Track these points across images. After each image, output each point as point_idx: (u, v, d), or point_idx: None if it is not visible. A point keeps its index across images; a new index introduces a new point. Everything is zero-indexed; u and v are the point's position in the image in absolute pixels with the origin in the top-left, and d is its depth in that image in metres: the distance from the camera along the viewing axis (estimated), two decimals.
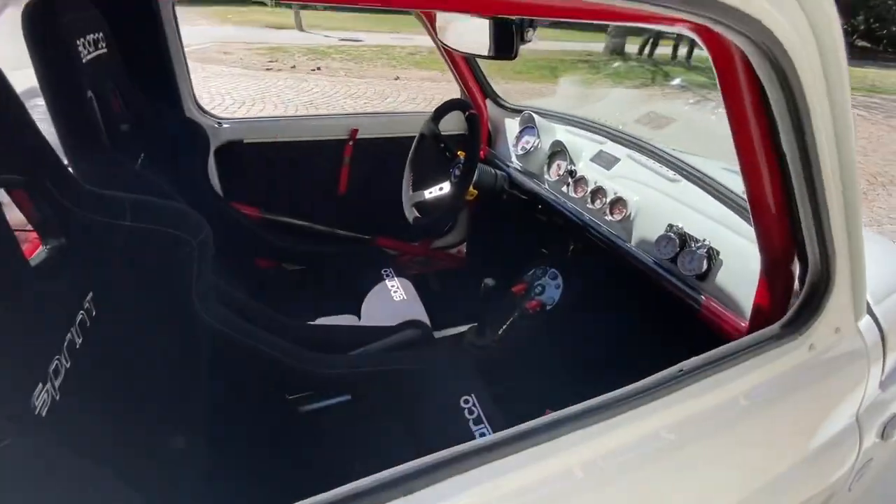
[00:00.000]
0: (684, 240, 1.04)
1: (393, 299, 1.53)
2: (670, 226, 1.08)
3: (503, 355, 1.50)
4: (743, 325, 0.90)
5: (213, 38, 8.81)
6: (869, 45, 13.88)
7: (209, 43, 8.40)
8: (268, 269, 1.68)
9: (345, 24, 11.01)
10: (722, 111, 0.59)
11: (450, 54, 1.64)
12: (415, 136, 1.59)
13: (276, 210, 1.74)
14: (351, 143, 1.71)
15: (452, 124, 1.88)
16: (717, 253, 0.99)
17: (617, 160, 1.32)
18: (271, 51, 8.36)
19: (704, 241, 1.00)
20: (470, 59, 1.67)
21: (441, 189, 1.54)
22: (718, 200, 1.05)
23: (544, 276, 1.58)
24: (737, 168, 0.64)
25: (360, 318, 1.50)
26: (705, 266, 0.99)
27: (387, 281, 1.59)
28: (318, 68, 7.58)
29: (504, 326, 1.56)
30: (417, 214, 1.55)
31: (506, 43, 0.80)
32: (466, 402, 1.02)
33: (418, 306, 1.51)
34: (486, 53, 0.83)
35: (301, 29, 10.61)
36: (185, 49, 1.49)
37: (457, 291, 2.13)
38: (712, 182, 1.08)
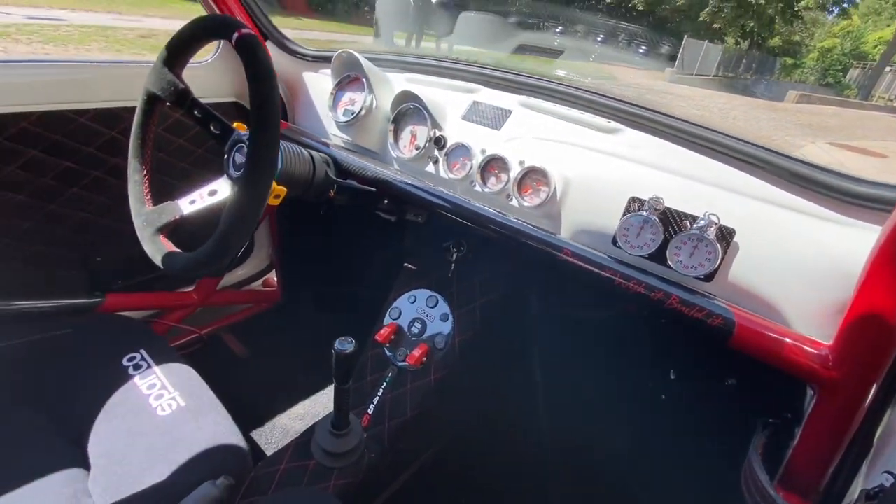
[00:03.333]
0: (671, 219, 0.63)
1: (157, 415, 0.79)
2: (637, 201, 0.66)
3: (384, 462, 0.90)
4: (823, 349, 0.54)
5: None
6: None
7: None
8: None
9: (32, 0, 8.06)
10: None
11: None
12: (133, 105, 0.81)
13: None
14: None
15: (222, 85, 1.14)
16: (732, 233, 0.60)
17: (507, 113, 0.85)
18: None
19: (709, 216, 0.60)
20: None
21: (213, 193, 0.81)
22: (695, 148, 0.67)
23: (417, 304, 1.03)
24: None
25: (88, 469, 0.74)
26: (720, 256, 0.60)
27: (137, 379, 0.83)
28: None
29: (373, 404, 0.96)
30: (168, 246, 0.79)
31: None
32: None
33: (213, 416, 0.80)
34: None
35: None
36: None
37: (277, 355, 1.40)
38: (676, 121, 0.69)
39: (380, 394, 0.96)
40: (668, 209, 0.63)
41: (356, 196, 1.02)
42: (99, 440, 0.77)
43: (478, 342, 0.95)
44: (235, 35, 0.66)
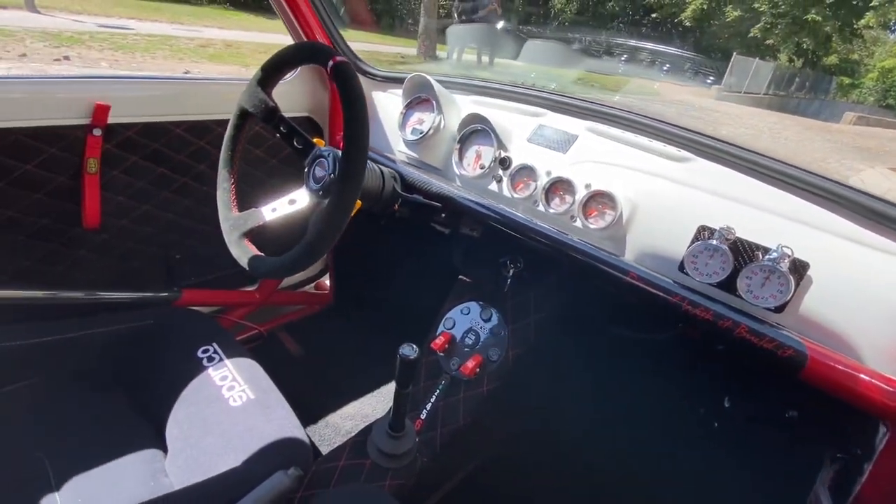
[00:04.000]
0: (742, 249, 0.64)
1: (230, 405, 0.84)
2: (706, 229, 0.67)
3: (435, 467, 0.94)
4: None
5: None
6: None
7: None
8: None
9: (103, 8, 8.70)
10: None
11: None
12: (225, 119, 0.89)
13: None
14: (97, 130, 0.90)
15: (293, 101, 1.22)
16: (806, 266, 0.61)
17: (574, 137, 0.88)
18: None
19: (782, 248, 0.61)
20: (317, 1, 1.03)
21: (292, 202, 0.88)
22: (767, 180, 0.68)
23: (472, 316, 1.07)
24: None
25: (165, 451, 0.81)
26: (793, 288, 0.61)
27: (211, 370, 0.89)
28: (67, 57, 5.66)
29: (426, 409, 0.99)
30: (252, 250, 0.86)
31: None
32: None
33: (280, 410, 0.86)
34: None
35: (33, 9, 7.95)
36: None
37: (329, 356, 1.46)
38: (749, 153, 0.71)
39: (432, 400, 1.00)
40: (739, 239, 0.65)
41: (418, 209, 1.07)
42: (176, 425, 0.83)
43: (531, 357, 0.97)
44: (331, 63, 0.72)
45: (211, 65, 6.61)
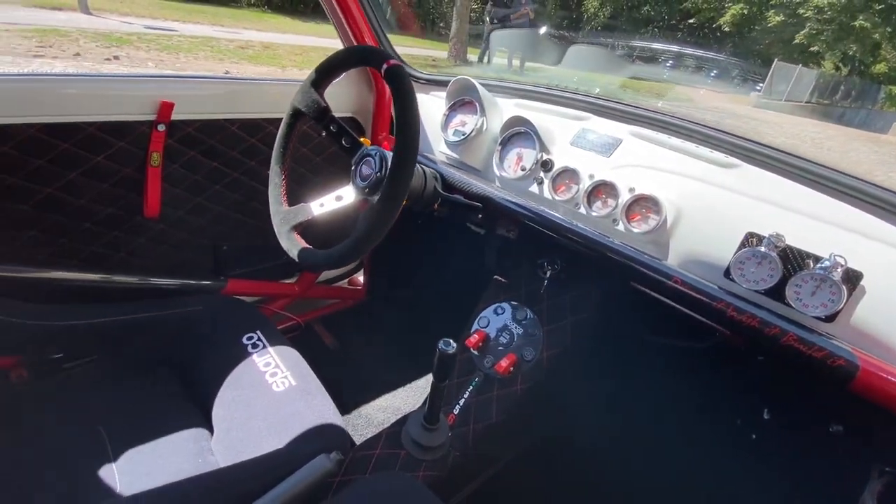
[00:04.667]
0: (792, 257, 0.64)
1: (273, 391, 0.88)
2: (754, 236, 0.67)
3: (467, 462, 0.96)
4: None
5: None
6: None
7: None
8: (2, 373, 0.87)
9: (149, 11, 9.10)
10: None
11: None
12: (278, 117, 0.94)
13: (22, 256, 0.92)
14: (161, 126, 0.96)
15: (341, 101, 1.26)
16: (860, 276, 0.60)
17: (617, 141, 0.89)
18: (41, 34, 6.33)
19: (835, 257, 0.61)
20: (366, 2, 1.07)
21: (339, 199, 0.92)
22: (818, 188, 0.68)
23: (506, 316, 1.08)
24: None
25: (212, 431, 0.85)
26: (845, 298, 0.60)
27: (255, 356, 0.93)
28: (116, 57, 5.94)
29: (459, 405, 1.01)
30: (301, 242, 0.90)
31: None
32: None
33: (320, 397, 0.89)
34: None
35: (87, 11, 8.38)
36: None
37: (362, 349, 1.50)
38: (800, 160, 0.70)
39: (465, 396, 1.01)
40: (789, 247, 0.64)
41: (456, 209, 1.09)
42: (222, 407, 0.87)
43: (566, 359, 0.98)
44: (385, 65, 0.75)
45: (249, 66, 6.83)
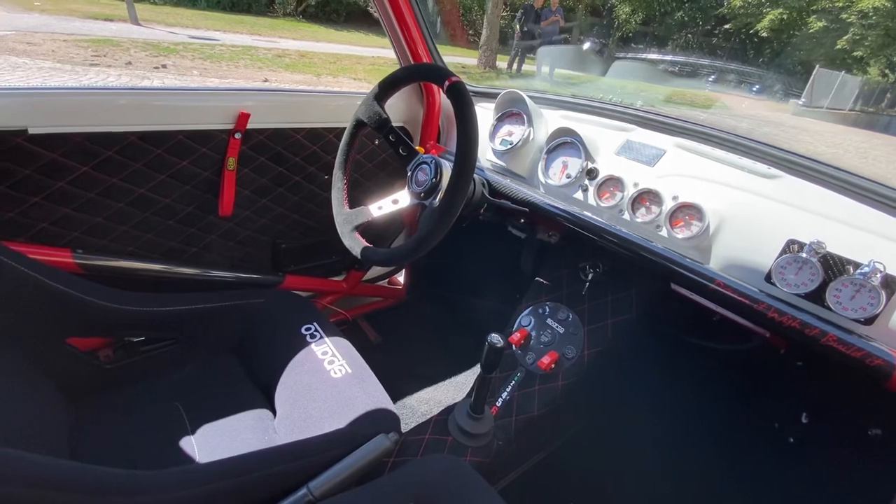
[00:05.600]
0: (832, 263, 0.68)
1: (331, 377, 0.96)
2: (795, 243, 0.71)
3: (510, 450, 1.01)
4: None
5: (13, 27, 6.85)
6: None
7: (7, 31, 6.48)
8: (92, 353, 0.97)
9: (194, 21, 9.56)
10: None
11: (397, 9, 1.11)
12: (341, 127, 1.03)
13: (103, 248, 1.03)
14: (238, 134, 1.07)
15: (394, 112, 1.35)
16: None
17: (662, 152, 0.94)
18: (96, 44, 6.76)
19: (874, 263, 0.64)
20: (422, 20, 1.16)
21: (395, 202, 1.00)
22: (858, 198, 0.71)
23: (548, 316, 1.14)
24: None
25: (275, 413, 0.92)
26: (884, 302, 0.64)
27: (313, 346, 1.01)
28: (164, 66, 6.28)
29: (501, 398, 1.07)
30: (362, 241, 0.98)
31: None
32: None
33: (373, 385, 0.96)
34: None
35: (136, 22, 8.87)
36: None
37: (403, 345, 1.58)
38: (841, 172, 0.74)
39: (508, 390, 1.07)
40: (830, 254, 0.68)
41: (500, 214, 1.16)
42: (284, 390, 0.96)
43: (607, 358, 1.03)
44: (447, 82, 0.83)
45: (287, 73, 7.08)
